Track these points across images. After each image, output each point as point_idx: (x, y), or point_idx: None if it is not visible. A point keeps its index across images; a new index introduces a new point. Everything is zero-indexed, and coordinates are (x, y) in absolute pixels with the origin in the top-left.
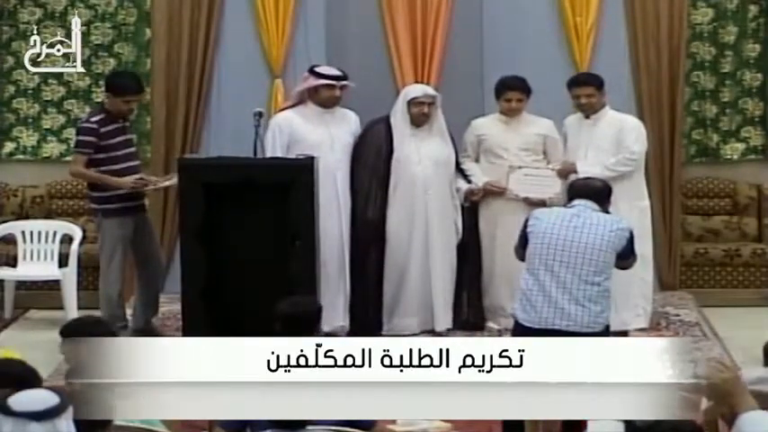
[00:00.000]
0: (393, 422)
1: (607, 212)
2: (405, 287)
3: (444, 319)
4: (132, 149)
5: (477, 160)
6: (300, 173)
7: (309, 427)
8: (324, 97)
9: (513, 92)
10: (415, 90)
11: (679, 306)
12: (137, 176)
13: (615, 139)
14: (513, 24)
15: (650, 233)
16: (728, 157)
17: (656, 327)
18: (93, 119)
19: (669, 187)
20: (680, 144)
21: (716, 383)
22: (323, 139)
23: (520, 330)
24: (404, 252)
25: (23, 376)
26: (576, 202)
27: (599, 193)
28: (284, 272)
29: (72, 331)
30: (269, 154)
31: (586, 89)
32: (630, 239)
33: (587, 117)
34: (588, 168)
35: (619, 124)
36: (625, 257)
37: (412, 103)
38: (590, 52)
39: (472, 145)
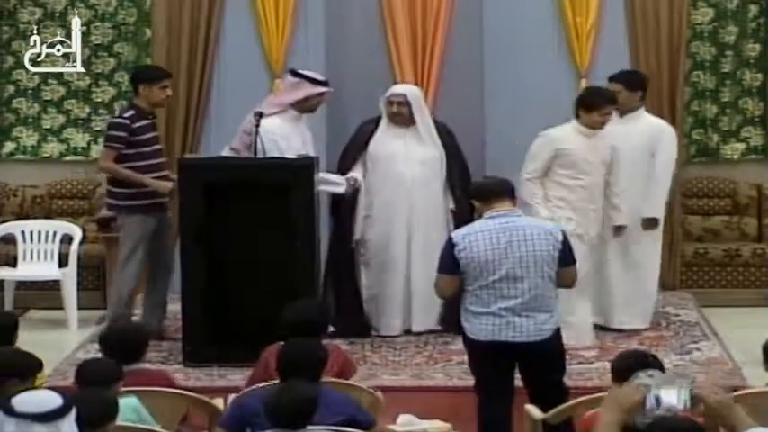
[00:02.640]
0: (393, 422)
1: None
2: (387, 286)
3: (423, 319)
4: (159, 146)
5: (544, 175)
6: (300, 173)
7: (310, 427)
8: (314, 104)
9: (611, 106)
10: (391, 88)
11: (679, 306)
12: (172, 183)
13: (646, 143)
14: (513, 25)
15: (659, 239)
16: (728, 157)
17: (655, 327)
18: (126, 114)
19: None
20: (680, 144)
21: (711, 406)
22: (300, 144)
23: (468, 342)
24: (386, 251)
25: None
26: (498, 210)
27: (508, 188)
28: (284, 272)
29: (112, 338)
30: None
31: (614, 86)
32: (565, 242)
33: (621, 116)
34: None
35: (651, 129)
36: (566, 265)
37: (387, 101)
38: (590, 52)
39: (546, 161)
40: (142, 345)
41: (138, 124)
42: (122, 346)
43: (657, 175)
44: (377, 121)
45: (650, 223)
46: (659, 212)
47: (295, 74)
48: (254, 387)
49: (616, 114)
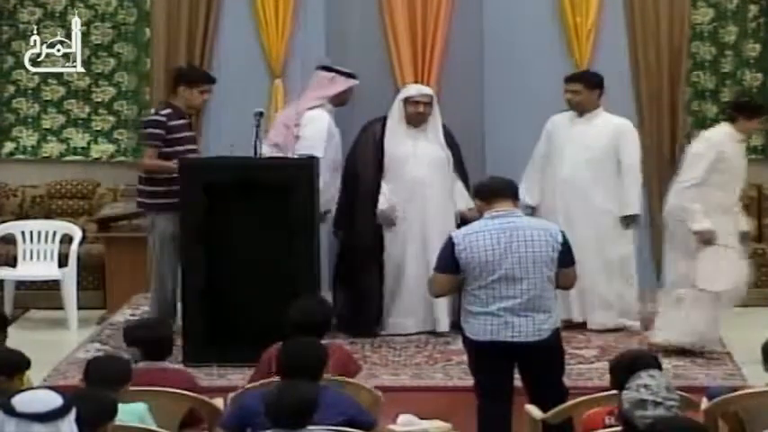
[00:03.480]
0: (393, 422)
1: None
2: (402, 287)
3: (445, 319)
4: (195, 146)
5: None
6: (300, 173)
7: (310, 427)
8: (347, 98)
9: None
10: (411, 89)
11: None
12: None
13: (609, 142)
14: (513, 24)
15: (630, 237)
16: None
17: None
18: (162, 112)
19: (669, 187)
20: (680, 144)
21: None
22: (334, 137)
23: (468, 343)
24: (400, 252)
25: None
26: (499, 210)
27: (511, 189)
28: (284, 272)
29: (135, 333)
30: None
31: (573, 85)
32: (565, 243)
33: (580, 115)
34: (632, 207)
35: (614, 128)
36: (566, 266)
37: (408, 102)
38: (590, 52)
39: (709, 164)
40: (168, 343)
41: (173, 123)
42: (149, 342)
43: (626, 172)
44: (383, 122)
45: (630, 220)
46: (637, 208)
47: (328, 69)
48: (254, 387)
49: (575, 114)
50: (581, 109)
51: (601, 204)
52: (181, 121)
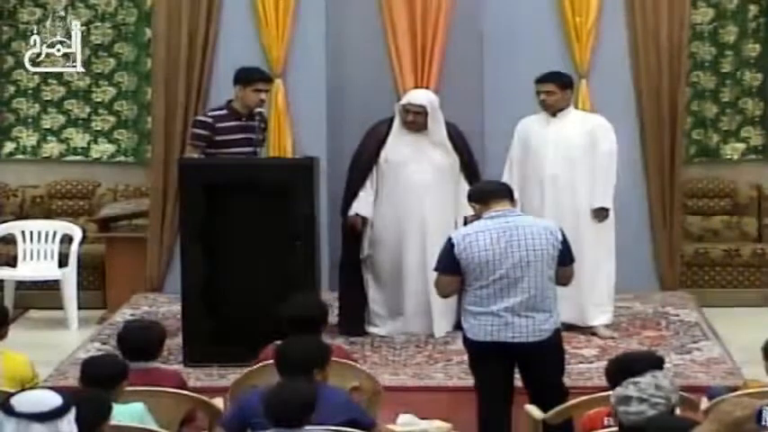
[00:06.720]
0: (393, 422)
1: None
2: (404, 291)
3: (442, 324)
4: (251, 148)
5: None
6: (300, 173)
7: (309, 427)
8: None
9: None
10: (407, 96)
11: (679, 306)
12: None
13: (587, 138)
14: (513, 24)
15: (611, 232)
16: (728, 157)
17: (655, 327)
18: (211, 113)
19: (669, 187)
20: (680, 144)
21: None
22: None
23: (468, 343)
24: (399, 256)
25: None
26: (497, 210)
27: (506, 190)
28: (284, 272)
29: (127, 336)
30: None
31: (546, 86)
32: (564, 241)
33: (554, 115)
34: (602, 200)
35: (589, 125)
36: (565, 264)
37: (403, 108)
38: (590, 52)
39: None
40: (157, 344)
41: (223, 124)
42: (137, 344)
43: (600, 165)
44: (389, 123)
45: (600, 214)
46: (607, 202)
47: None
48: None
49: (548, 114)
50: (554, 109)
51: (583, 201)
52: (234, 123)
